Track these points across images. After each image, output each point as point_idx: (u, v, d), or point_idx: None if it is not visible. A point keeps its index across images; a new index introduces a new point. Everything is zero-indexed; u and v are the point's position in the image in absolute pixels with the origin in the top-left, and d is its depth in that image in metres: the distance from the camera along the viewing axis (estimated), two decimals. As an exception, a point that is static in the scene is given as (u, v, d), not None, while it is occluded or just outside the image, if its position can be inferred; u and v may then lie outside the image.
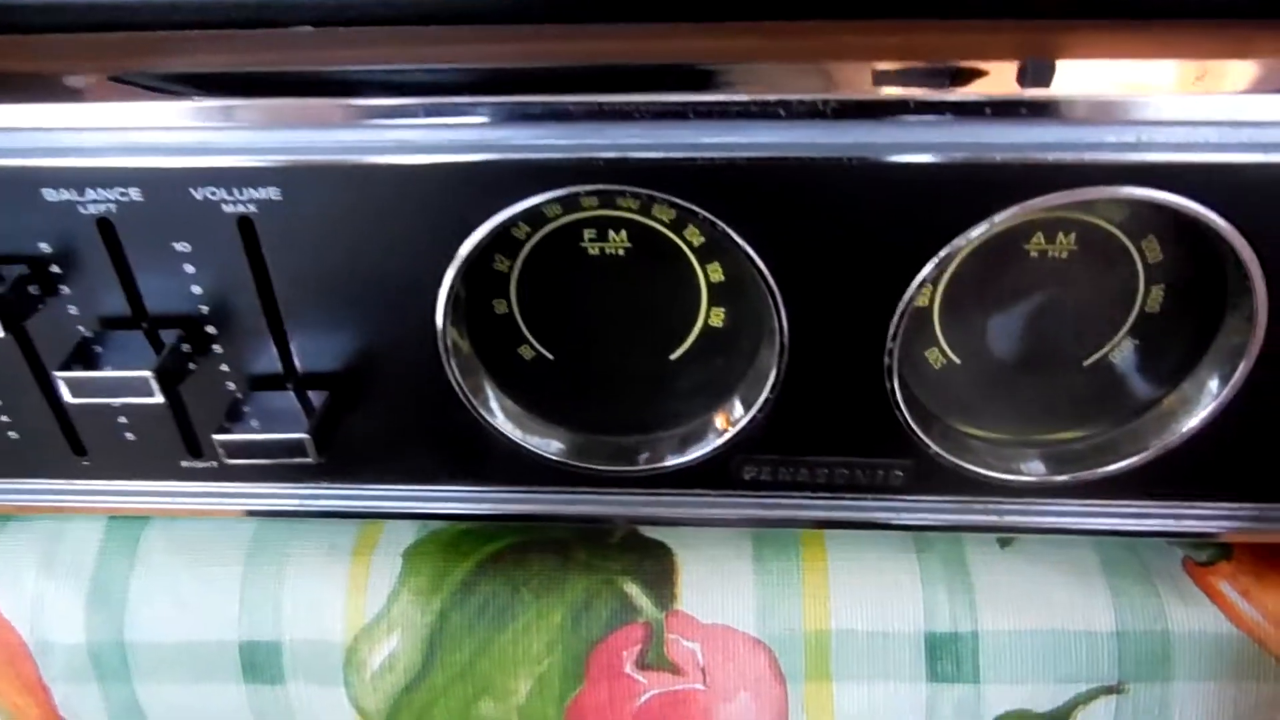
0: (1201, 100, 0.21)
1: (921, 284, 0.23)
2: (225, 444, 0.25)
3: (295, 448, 0.25)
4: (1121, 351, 0.27)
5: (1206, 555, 0.30)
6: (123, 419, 0.27)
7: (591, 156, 0.22)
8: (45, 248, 0.24)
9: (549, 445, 0.28)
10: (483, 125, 0.22)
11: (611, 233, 0.25)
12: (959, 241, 0.23)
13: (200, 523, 0.32)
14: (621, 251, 0.26)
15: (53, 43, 0.25)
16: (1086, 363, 0.27)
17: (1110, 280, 0.26)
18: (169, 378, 0.24)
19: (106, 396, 0.24)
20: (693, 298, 0.26)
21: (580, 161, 0.22)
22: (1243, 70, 0.22)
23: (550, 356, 0.28)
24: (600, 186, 0.22)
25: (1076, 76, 0.22)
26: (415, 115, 0.22)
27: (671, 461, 0.27)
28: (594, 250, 0.26)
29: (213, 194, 0.23)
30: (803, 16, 0.24)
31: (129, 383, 0.24)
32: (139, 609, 0.31)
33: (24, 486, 0.29)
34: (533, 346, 0.27)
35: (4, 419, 0.28)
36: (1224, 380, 0.25)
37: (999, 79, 0.22)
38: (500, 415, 0.27)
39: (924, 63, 0.22)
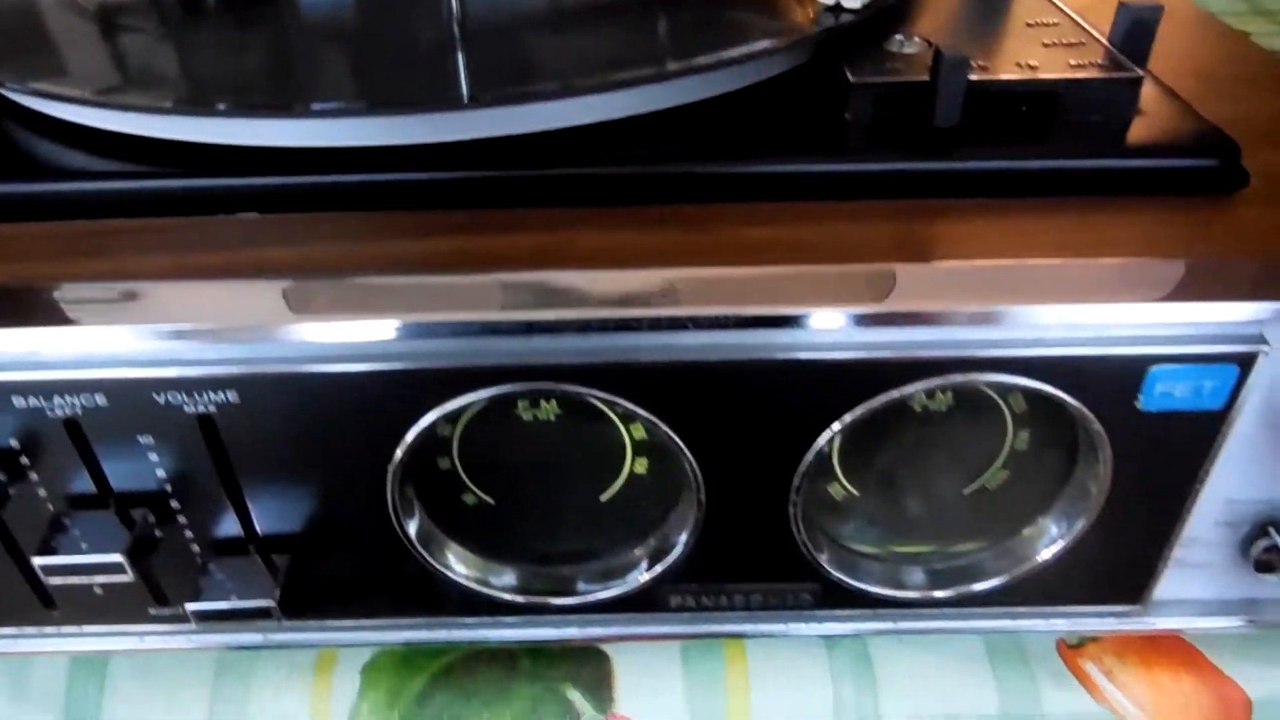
0: (1052, 309, 0.25)
1: (818, 452, 0.27)
2: (198, 613, 0.27)
3: (263, 613, 0.27)
4: (995, 482, 0.30)
5: (1077, 638, 0.34)
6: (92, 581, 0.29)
7: (522, 364, 0.25)
8: (14, 443, 0.26)
9: (494, 580, 0.30)
10: (418, 339, 0.25)
11: (543, 402, 0.28)
12: (848, 418, 0.26)
13: (165, 646, 0.34)
14: (553, 417, 0.28)
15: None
16: (966, 491, 0.31)
17: (981, 431, 0.29)
18: (140, 557, 0.26)
19: (81, 577, 0.26)
20: (619, 450, 0.29)
21: (511, 366, 0.25)
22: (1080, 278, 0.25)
23: (491, 501, 0.30)
24: (528, 386, 0.25)
25: (945, 283, 0.25)
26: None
27: (606, 594, 0.30)
28: (527, 416, 0.28)
29: (174, 398, 0.25)
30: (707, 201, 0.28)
31: (102, 566, 0.26)
32: (112, 734, 0.33)
33: (-7, 634, 0.31)
34: (474, 494, 0.30)
35: (-25, 580, 0.29)
36: (1068, 523, 0.29)
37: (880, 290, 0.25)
38: (449, 558, 0.30)
39: (812, 267, 0.25)
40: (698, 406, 0.26)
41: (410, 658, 0.34)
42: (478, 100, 0.29)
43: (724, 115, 0.31)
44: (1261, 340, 0.25)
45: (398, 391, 0.25)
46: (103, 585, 0.29)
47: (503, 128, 0.30)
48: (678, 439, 0.26)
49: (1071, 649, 0.34)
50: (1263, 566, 0.30)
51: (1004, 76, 0.30)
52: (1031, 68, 0.30)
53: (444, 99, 0.29)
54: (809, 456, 0.27)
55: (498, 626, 0.32)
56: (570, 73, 0.30)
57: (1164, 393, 0.25)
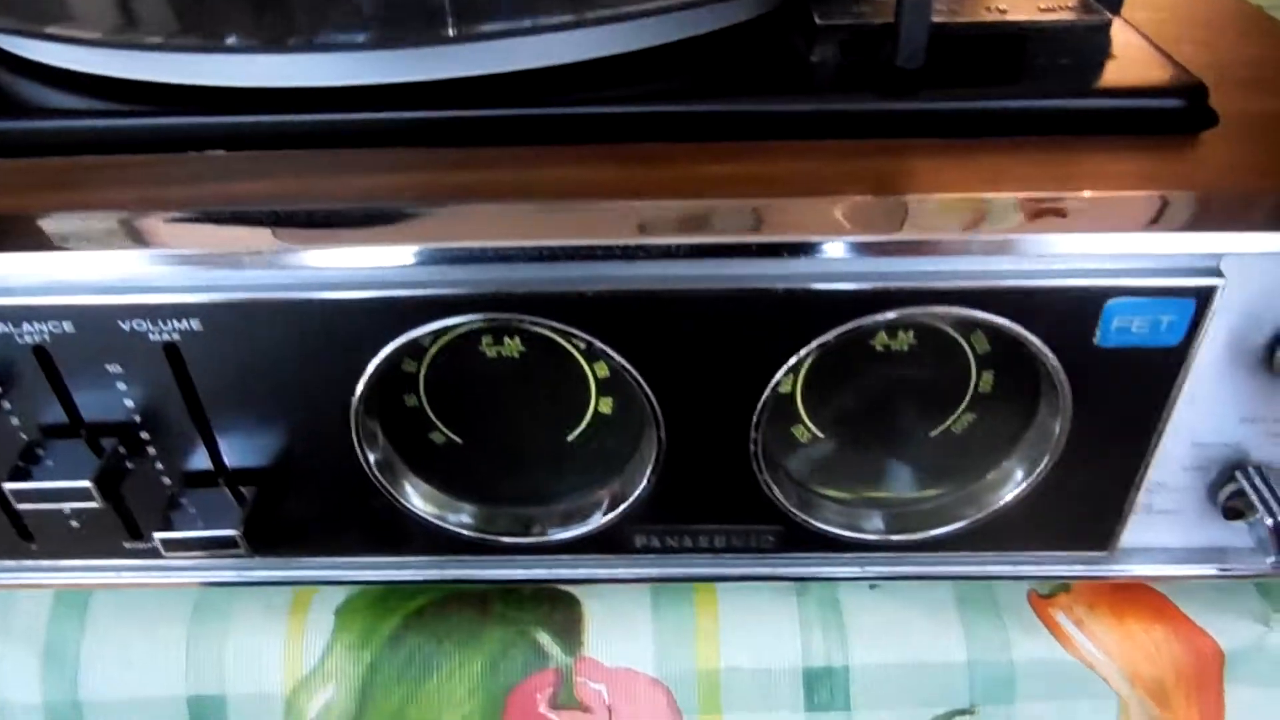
0: (1009, 240, 0.25)
1: (775, 388, 0.27)
2: (165, 541, 0.28)
3: (228, 542, 0.27)
4: (960, 425, 0.30)
5: (1048, 589, 0.34)
6: (67, 512, 0.30)
7: (479, 292, 0.25)
8: (-14, 371, 0.26)
9: (461, 520, 0.31)
10: (383, 267, 0.25)
11: (506, 339, 0.28)
12: (804, 352, 0.26)
13: (145, 586, 0.34)
14: (516, 354, 0.29)
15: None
16: (932, 434, 0.31)
17: (945, 372, 0.29)
18: (108, 485, 0.27)
19: (51, 503, 0.27)
20: (583, 389, 0.29)
21: (472, 295, 0.25)
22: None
23: (459, 440, 0.31)
24: (489, 315, 0.25)
25: (903, 215, 0.25)
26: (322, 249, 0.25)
27: (572, 532, 0.31)
28: (491, 353, 0.29)
29: (139, 325, 0.25)
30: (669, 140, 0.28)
31: (71, 492, 0.27)
32: (91, 668, 0.34)
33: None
34: (442, 432, 0.30)
35: (-46, 512, 0.30)
36: (1031, 465, 0.29)
37: (835, 218, 0.25)
38: (414, 496, 0.30)
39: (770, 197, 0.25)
40: (652, 338, 0.26)
41: (383, 600, 0.34)
42: (453, 37, 0.29)
43: (697, 57, 0.32)
44: (1218, 273, 0.24)
45: (356, 321, 0.25)
46: (77, 516, 0.30)
47: (475, 67, 0.30)
48: (634, 371, 0.26)
49: (1042, 599, 0.34)
50: (1231, 513, 0.30)
51: (970, 19, 0.30)
52: (1000, 11, 0.30)
53: (420, 36, 0.29)
54: (767, 392, 0.27)
55: (466, 566, 0.32)
56: (546, 12, 0.30)
57: (1121, 327, 0.25)
